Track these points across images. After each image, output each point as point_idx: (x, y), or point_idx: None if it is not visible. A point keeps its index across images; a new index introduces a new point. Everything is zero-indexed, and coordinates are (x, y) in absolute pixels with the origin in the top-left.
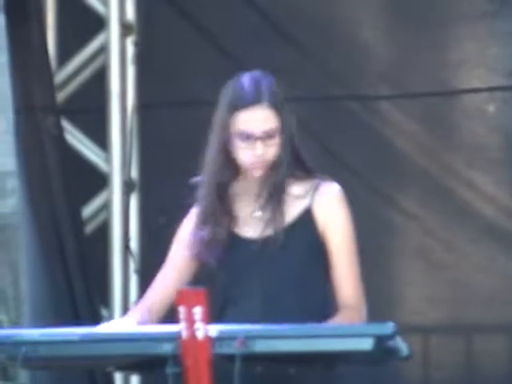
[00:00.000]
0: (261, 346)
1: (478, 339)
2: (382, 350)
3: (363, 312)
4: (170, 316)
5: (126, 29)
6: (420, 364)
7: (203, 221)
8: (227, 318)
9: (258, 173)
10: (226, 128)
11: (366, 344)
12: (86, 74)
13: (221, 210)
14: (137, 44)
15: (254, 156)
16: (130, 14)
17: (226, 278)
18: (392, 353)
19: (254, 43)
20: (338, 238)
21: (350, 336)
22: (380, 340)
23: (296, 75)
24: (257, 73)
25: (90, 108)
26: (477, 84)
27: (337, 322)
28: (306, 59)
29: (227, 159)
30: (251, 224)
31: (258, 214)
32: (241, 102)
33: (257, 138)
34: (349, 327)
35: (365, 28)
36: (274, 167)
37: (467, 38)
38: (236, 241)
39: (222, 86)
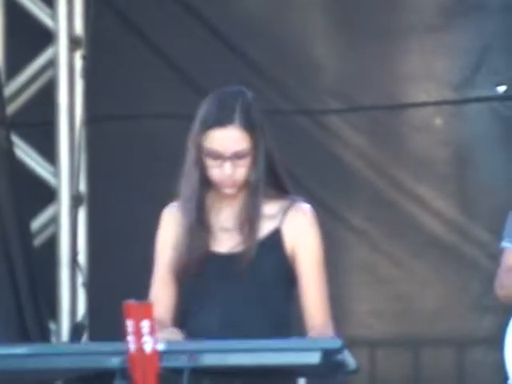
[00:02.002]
0: (209, 360)
1: (425, 353)
2: (330, 364)
3: (331, 332)
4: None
5: (74, 43)
6: (367, 378)
7: (182, 236)
8: (186, 330)
9: (229, 191)
10: (198, 145)
11: (314, 358)
12: (35, 87)
13: (198, 225)
14: (85, 58)
15: (222, 175)
16: (79, 28)
17: (191, 290)
18: (340, 366)
19: (202, 57)
20: (308, 259)
21: (298, 350)
22: (327, 354)
23: None
24: (235, 89)
25: (38, 122)
26: (424, 98)
27: None
28: (255, 73)
29: (202, 175)
30: (222, 239)
31: (230, 230)
32: (212, 121)
33: (226, 158)
34: (297, 341)
35: (313, 42)
36: (249, 188)
37: (415, 51)
38: (208, 255)
39: (170, 100)
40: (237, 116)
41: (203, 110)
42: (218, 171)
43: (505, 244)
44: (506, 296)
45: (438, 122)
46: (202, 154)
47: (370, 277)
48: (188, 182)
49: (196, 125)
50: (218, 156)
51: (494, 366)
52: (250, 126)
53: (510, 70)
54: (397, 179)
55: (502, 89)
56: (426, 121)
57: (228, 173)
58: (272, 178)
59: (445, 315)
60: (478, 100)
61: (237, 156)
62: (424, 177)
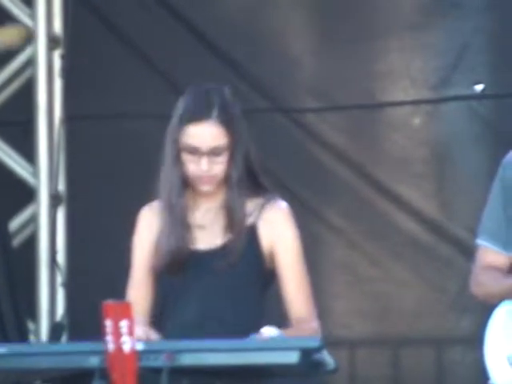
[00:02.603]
0: (188, 360)
1: (405, 352)
2: (309, 364)
3: (316, 326)
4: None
5: (53, 42)
6: (347, 377)
7: (162, 234)
8: (163, 326)
9: (205, 188)
10: (176, 141)
11: (292, 357)
12: (13, 86)
13: (178, 223)
14: (64, 57)
15: (199, 171)
16: (58, 27)
17: (169, 287)
18: (319, 366)
19: (180, 55)
20: (287, 256)
21: (276, 349)
22: (306, 353)
23: None
24: (211, 85)
25: (17, 121)
26: (402, 97)
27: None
28: (234, 72)
29: (180, 172)
30: (198, 237)
31: (207, 227)
32: (190, 116)
33: (202, 154)
34: (275, 340)
35: (291, 40)
36: (229, 185)
37: (392, 50)
38: (187, 253)
39: (149, 99)
40: (214, 111)
41: (181, 105)
42: (195, 167)
43: (480, 241)
44: (482, 294)
45: (416, 121)
46: (180, 150)
47: (348, 276)
48: (167, 180)
49: (174, 120)
50: (195, 151)
51: (472, 366)
52: (227, 122)
53: (487, 68)
54: (375, 178)
55: (479, 88)
56: (403, 120)
57: (204, 168)
58: (248, 176)
59: (424, 315)
60: (455, 99)
61: (214, 152)
62: (402, 176)
